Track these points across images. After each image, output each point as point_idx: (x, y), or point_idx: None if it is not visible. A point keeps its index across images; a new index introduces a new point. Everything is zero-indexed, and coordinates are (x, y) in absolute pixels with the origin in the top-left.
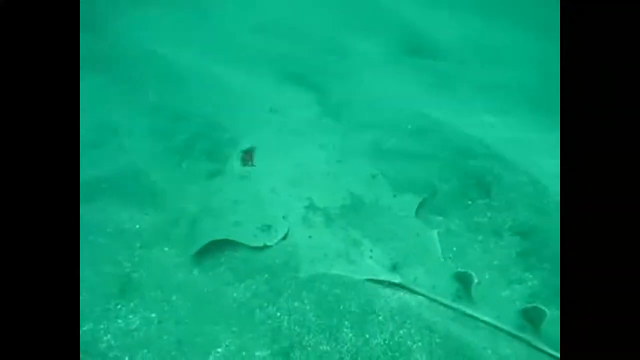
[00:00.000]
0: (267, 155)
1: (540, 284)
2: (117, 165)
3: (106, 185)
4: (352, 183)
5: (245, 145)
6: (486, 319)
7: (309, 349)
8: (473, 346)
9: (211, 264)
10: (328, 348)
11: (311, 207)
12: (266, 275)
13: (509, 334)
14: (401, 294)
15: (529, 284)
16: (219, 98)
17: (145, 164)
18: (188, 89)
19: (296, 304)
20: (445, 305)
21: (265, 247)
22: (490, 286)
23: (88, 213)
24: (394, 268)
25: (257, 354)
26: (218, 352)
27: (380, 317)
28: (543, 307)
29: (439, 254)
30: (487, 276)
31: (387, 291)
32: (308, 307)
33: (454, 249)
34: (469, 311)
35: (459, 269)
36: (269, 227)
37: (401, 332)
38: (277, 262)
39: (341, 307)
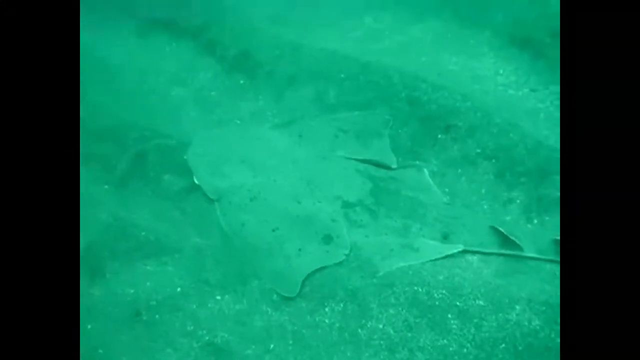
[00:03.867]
0: (240, 160)
1: (526, 198)
2: (92, 223)
3: (98, 252)
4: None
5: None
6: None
7: (429, 348)
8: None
9: (278, 299)
10: (445, 342)
11: (347, 205)
12: (346, 290)
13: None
14: (474, 266)
15: (518, 201)
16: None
17: (115, 208)
18: None
19: (391, 310)
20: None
21: (347, 257)
22: (494, 214)
23: (109, 291)
24: (445, 238)
25: None
26: None
27: (480, 302)
28: None
29: (443, 200)
30: (485, 206)
31: (462, 269)
32: (404, 311)
33: (446, 189)
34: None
35: (486, 215)
36: (330, 237)
37: (505, 308)
38: (348, 273)
39: (437, 303)
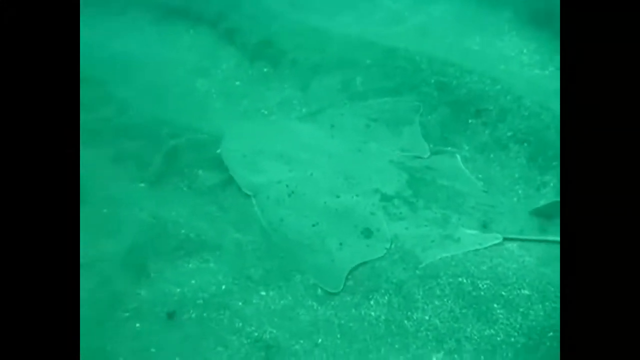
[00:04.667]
0: (275, 154)
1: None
2: (134, 223)
3: (141, 252)
4: (379, 150)
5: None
6: None
7: (476, 338)
8: None
9: (323, 293)
10: (492, 332)
11: (386, 198)
12: (389, 283)
13: None
14: (515, 254)
15: (552, 184)
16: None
17: (154, 207)
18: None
19: (437, 301)
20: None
21: (388, 251)
22: (528, 199)
23: (155, 290)
24: (485, 227)
25: (433, 358)
26: None
27: (525, 291)
28: None
29: (479, 187)
30: (520, 191)
31: (504, 258)
32: (449, 302)
33: (480, 175)
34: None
35: (521, 201)
36: (369, 230)
37: (551, 297)
38: (391, 266)
39: (482, 293)
